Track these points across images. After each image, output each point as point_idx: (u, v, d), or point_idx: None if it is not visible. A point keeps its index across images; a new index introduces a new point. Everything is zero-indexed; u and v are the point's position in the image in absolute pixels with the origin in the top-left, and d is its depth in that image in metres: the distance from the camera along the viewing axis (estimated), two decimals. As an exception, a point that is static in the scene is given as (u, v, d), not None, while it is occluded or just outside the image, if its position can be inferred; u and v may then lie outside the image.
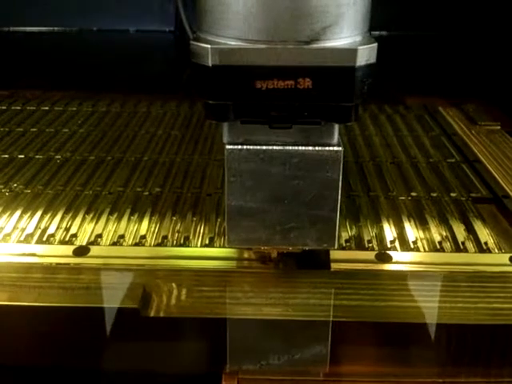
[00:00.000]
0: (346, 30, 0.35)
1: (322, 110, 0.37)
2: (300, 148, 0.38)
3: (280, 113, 0.37)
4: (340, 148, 0.38)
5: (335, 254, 0.47)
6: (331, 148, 0.38)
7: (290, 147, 0.38)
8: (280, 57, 0.34)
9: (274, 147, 0.38)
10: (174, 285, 0.42)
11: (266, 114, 0.37)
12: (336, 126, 0.38)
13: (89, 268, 0.45)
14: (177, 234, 0.51)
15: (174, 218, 0.53)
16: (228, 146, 0.38)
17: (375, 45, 0.35)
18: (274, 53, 0.34)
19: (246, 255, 0.47)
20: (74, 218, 0.53)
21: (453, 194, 0.58)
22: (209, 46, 0.35)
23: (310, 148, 0.38)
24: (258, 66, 0.35)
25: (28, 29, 1.14)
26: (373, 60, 0.36)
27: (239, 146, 0.38)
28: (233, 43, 0.35)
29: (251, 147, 0.38)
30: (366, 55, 0.35)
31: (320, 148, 0.38)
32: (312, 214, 0.40)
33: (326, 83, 0.35)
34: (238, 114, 0.37)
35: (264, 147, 0.38)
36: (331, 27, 0.34)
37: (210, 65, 0.35)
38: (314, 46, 0.34)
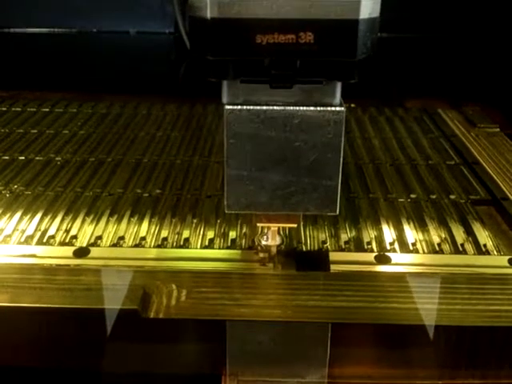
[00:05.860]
0: None
1: (323, 67, 0.35)
2: (301, 108, 0.37)
3: (281, 70, 0.35)
4: (342, 108, 0.37)
5: (334, 256, 0.47)
6: (333, 108, 0.37)
7: (291, 107, 0.37)
8: (281, 9, 0.33)
9: (275, 107, 0.37)
10: (173, 286, 0.42)
11: (267, 72, 0.36)
12: (338, 86, 0.37)
13: (89, 269, 0.45)
14: (176, 236, 0.51)
15: (174, 220, 0.53)
16: (227, 107, 0.37)
17: None
18: (274, 5, 0.33)
19: (245, 257, 0.48)
20: (74, 219, 0.53)
21: (452, 196, 0.58)
22: None
23: (312, 108, 0.37)
24: (258, 19, 0.33)
25: (28, 30, 1.14)
26: (376, 14, 0.34)
27: (239, 107, 0.37)
28: None
29: (251, 107, 0.37)
30: (369, 8, 0.34)
31: (322, 108, 0.37)
32: (313, 178, 0.39)
33: (328, 37, 0.34)
34: (238, 72, 0.36)
35: (264, 107, 0.37)
36: None
37: (209, 17, 0.33)
38: None
